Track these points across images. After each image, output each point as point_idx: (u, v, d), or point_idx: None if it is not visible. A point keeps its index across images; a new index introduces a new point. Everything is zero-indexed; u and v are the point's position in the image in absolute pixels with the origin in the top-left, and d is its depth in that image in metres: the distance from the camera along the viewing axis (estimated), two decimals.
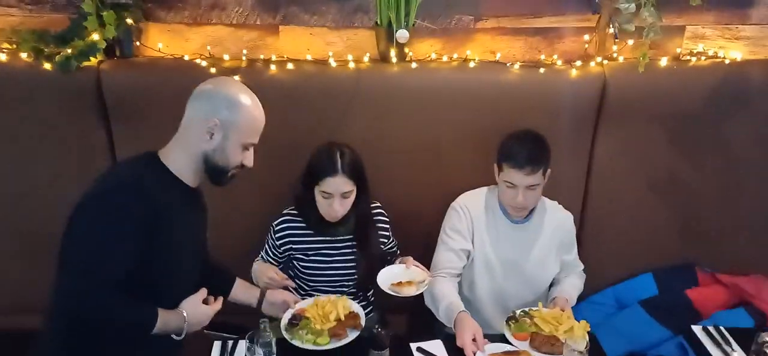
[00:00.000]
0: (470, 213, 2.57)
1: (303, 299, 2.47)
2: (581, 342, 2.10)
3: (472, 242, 2.57)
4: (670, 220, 3.02)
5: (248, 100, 2.06)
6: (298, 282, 2.63)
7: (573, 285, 2.68)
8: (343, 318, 2.30)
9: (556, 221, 2.62)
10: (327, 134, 2.56)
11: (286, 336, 2.23)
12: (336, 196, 2.38)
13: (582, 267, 2.74)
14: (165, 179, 2.03)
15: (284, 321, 2.30)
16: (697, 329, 2.46)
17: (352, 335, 2.24)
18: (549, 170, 2.45)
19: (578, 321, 2.30)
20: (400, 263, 2.52)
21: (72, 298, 1.90)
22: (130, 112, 2.75)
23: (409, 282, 2.40)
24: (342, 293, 2.59)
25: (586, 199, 3.01)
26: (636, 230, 3.04)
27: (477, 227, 2.56)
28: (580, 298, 2.79)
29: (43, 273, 1.95)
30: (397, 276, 2.44)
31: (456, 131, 2.84)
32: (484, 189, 2.63)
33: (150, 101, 2.71)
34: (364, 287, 2.66)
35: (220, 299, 2.21)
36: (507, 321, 2.36)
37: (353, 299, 2.57)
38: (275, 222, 2.57)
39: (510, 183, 2.41)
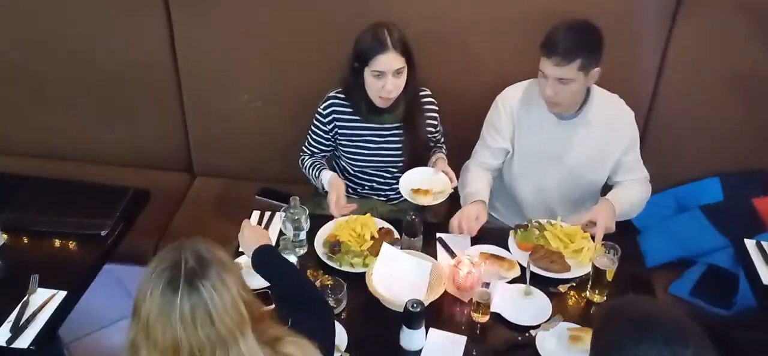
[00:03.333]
0: (512, 108, 2.46)
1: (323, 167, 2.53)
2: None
3: (512, 140, 2.48)
4: (746, 122, 2.77)
5: None
6: (341, 163, 2.66)
7: (629, 192, 2.44)
8: (376, 235, 2.32)
9: (612, 117, 2.42)
10: (373, 18, 2.47)
11: (333, 264, 2.20)
12: (388, 74, 2.33)
13: (645, 173, 2.51)
14: None
15: (322, 248, 2.27)
16: (750, 242, 2.31)
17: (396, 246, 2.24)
18: (596, 69, 2.26)
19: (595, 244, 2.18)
20: (432, 164, 2.51)
21: None
22: None
23: (427, 191, 2.38)
24: (386, 178, 2.64)
25: (656, 94, 2.79)
26: (707, 131, 2.81)
27: (519, 122, 2.46)
28: None
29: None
30: (419, 181, 2.43)
31: (515, 14, 2.68)
32: (528, 82, 2.48)
33: None
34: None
35: None
36: (515, 228, 2.31)
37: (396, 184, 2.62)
38: (321, 106, 2.54)
39: (542, 72, 2.26)
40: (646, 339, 1.19)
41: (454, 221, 2.31)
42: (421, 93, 2.56)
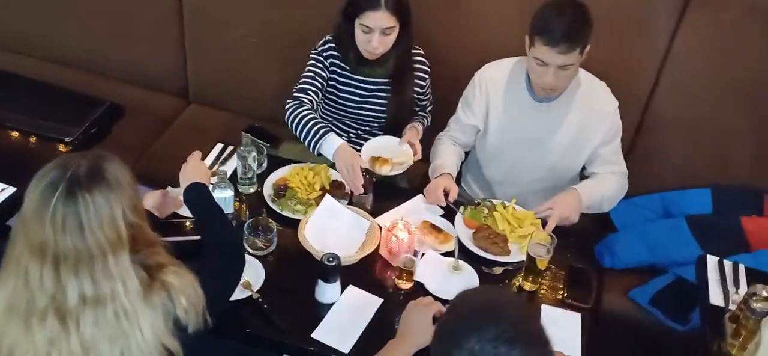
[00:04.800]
0: (488, 87, 2.36)
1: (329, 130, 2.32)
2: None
3: (485, 119, 2.39)
4: (747, 135, 2.57)
5: None
6: (321, 109, 2.62)
7: (602, 184, 2.33)
8: (327, 186, 2.28)
9: (594, 104, 2.30)
10: None
11: (275, 207, 2.18)
12: (376, 31, 2.27)
13: (623, 168, 2.40)
14: None
15: (269, 190, 2.25)
16: (711, 259, 2.17)
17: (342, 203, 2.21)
18: (588, 47, 2.14)
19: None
20: (404, 132, 2.45)
21: None
22: None
23: (386, 161, 2.32)
24: (365, 133, 2.59)
25: (654, 90, 2.63)
26: (705, 138, 2.62)
27: (493, 102, 2.35)
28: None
29: None
30: (382, 149, 2.38)
31: None
32: (512, 60, 2.37)
33: None
34: (390, 132, 2.59)
35: None
36: (466, 204, 2.24)
37: None
38: (319, 47, 2.46)
39: (540, 61, 2.11)
40: (477, 332, 1.13)
41: (431, 193, 2.28)
42: (414, 52, 2.48)
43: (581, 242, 2.27)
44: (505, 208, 2.25)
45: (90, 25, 3.19)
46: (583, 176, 2.45)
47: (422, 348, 1.62)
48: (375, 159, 2.32)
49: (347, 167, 2.16)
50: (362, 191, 2.16)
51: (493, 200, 2.28)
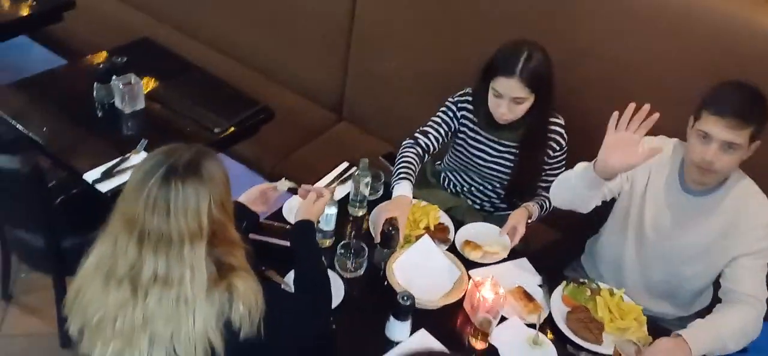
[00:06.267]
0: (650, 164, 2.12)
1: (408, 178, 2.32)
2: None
3: (633, 184, 2.20)
4: None
5: None
6: (447, 158, 2.63)
7: (720, 319, 2.01)
8: (432, 227, 2.27)
9: (743, 209, 2.04)
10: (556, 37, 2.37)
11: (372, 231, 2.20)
12: (506, 98, 2.24)
13: (761, 296, 2.03)
14: None
15: (374, 217, 2.25)
16: None
17: (442, 247, 2.20)
18: (758, 142, 1.95)
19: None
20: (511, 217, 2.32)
21: None
22: None
23: (478, 247, 2.22)
24: (487, 189, 2.56)
25: None
26: None
27: (639, 175, 2.16)
28: None
29: None
30: (478, 236, 2.28)
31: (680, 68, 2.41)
32: (673, 140, 2.17)
33: None
34: (510, 197, 2.54)
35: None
36: (569, 280, 2.11)
37: (501, 202, 2.56)
38: (456, 97, 2.47)
39: (704, 133, 1.93)
40: None
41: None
42: (552, 121, 2.38)
43: None
44: (611, 295, 2.10)
45: (263, 28, 3.47)
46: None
47: None
48: (467, 243, 2.25)
49: (393, 212, 2.14)
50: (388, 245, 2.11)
51: (600, 284, 2.14)
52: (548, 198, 2.43)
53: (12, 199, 2.32)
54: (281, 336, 1.62)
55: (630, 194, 2.21)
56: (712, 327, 2.00)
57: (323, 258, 1.95)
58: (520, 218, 2.32)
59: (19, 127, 2.49)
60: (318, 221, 2.05)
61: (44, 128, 2.52)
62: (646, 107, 1.85)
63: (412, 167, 2.33)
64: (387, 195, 2.39)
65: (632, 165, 1.93)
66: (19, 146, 2.43)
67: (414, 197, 2.34)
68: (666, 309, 2.30)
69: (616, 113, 1.90)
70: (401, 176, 2.30)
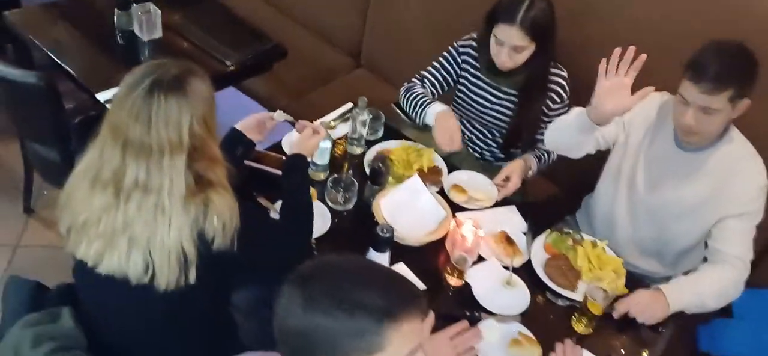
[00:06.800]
0: (638, 114, 2.17)
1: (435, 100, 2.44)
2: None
3: (628, 134, 2.21)
4: None
5: None
6: (455, 106, 2.65)
7: (700, 279, 2.03)
8: (426, 169, 2.32)
9: (734, 174, 2.03)
10: None
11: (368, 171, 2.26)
12: (506, 46, 2.26)
13: (745, 257, 2.03)
14: None
15: (370, 155, 2.34)
16: None
17: (431, 189, 2.24)
18: (745, 101, 1.93)
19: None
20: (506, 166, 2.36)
21: None
22: None
23: (463, 191, 2.27)
24: (487, 137, 2.60)
25: None
26: None
27: (635, 129, 2.19)
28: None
29: None
30: (468, 182, 2.33)
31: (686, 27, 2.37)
32: (665, 95, 2.18)
33: None
34: (509, 145, 2.57)
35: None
36: (552, 229, 2.14)
37: (500, 151, 2.58)
38: (460, 42, 2.52)
39: (682, 97, 1.95)
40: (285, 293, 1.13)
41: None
42: (554, 72, 2.39)
43: (685, 323, 2.07)
44: (593, 247, 2.12)
45: None
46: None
47: None
48: (454, 186, 2.29)
49: (445, 129, 2.26)
50: (457, 147, 2.25)
51: (583, 235, 2.16)
52: (548, 152, 2.45)
53: (30, 112, 2.45)
54: (255, 253, 1.69)
55: (624, 147, 2.22)
56: (693, 284, 2.03)
57: (312, 193, 2.02)
58: (515, 168, 2.35)
59: (42, 46, 2.61)
60: (314, 155, 2.14)
61: (65, 51, 2.63)
62: (632, 48, 1.86)
63: (427, 96, 2.44)
64: (387, 136, 2.46)
65: (626, 108, 1.94)
66: (40, 65, 2.56)
67: (412, 139, 2.40)
68: (654, 267, 2.31)
69: (604, 60, 1.91)
70: (426, 103, 2.42)
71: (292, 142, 2.14)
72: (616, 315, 1.92)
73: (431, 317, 1.18)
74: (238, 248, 1.59)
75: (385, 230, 1.92)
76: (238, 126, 2.08)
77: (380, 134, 2.48)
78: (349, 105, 2.60)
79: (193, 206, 1.53)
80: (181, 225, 1.52)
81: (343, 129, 2.46)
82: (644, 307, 1.95)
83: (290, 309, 1.12)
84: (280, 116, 2.13)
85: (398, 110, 2.91)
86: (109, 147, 1.54)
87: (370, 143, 2.42)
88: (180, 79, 1.52)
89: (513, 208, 2.28)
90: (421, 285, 1.95)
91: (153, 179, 1.51)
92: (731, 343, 2.25)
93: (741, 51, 1.92)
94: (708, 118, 1.93)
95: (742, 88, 1.90)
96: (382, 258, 1.96)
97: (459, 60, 2.49)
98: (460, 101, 2.57)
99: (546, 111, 2.43)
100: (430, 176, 2.30)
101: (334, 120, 2.52)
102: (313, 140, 2.05)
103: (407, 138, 2.49)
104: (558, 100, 2.41)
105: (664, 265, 2.31)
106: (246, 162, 2.20)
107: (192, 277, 1.55)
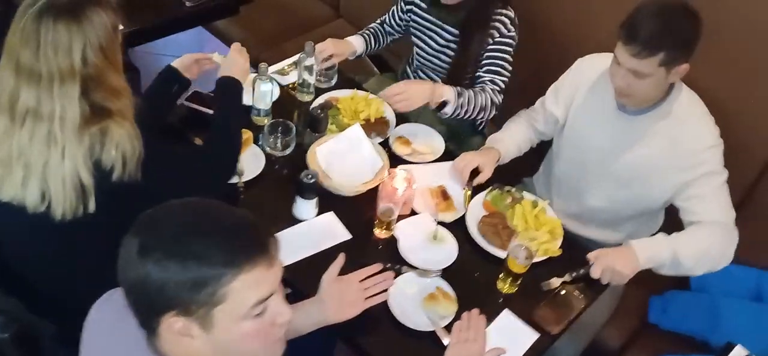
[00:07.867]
0: (583, 78, 2.11)
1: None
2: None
3: (567, 113, 2.16)
4: None
5: None
6: (415, 57, 2.60)
7: (676, 240, 1.91)
8: (372, 119, 2.26)
9: (682, 130, 1.94)
10: None
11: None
12: None
13: (723, 217, 1.93)
14: None
15: (318, 102, 2.30)
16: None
17: (375, 140, 2.19)
18: (683, 65, 1.82)
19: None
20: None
21: None
22: None
23: (407, 143, 2.23)
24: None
25: None
26: None
27: (579, 96, 2.11)
28: None
29: None
30: (416, 135, 2.27)
31: None
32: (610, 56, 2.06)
33: None
34: (451, 83, 2.41)
35: None
36: (494, 186, 2.07)
37: None
38: None
39: (616, 58, 1.87)
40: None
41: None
42: (498, 12, 2.28)
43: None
44: (533, 207, 2.05)
45: None
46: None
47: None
48: (399, 138, 2.23)
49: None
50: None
51: (524, 194, 2.09)
52: (483, 92, 2.30)
53: None
54: (165, 184, 1.65)
55: (573, 117, 2.14)
56: (666, 241, 1.93)
57: (248, 136, 1.98)
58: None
59: None
60: (255, 99, 2.10)
61: None
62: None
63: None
64: (340, 84, 2.40)
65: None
66: None
67: (363, 89, 2.36)
68: (607, 236, 2.24)
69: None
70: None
71: (225, 62, 2.02)
72: (594, 275, 1.84)
73: (279, 264, 1.14)
74: (144, 178, 1.56)
75: (309, 177, 1.89)
76: (174, 64, 2.05)
77: (333, 82, 2.43)
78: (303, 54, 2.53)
79: (87, 135, 1.50)
80: (74, 154, 1.49)
81: (294, 75, 2.41)
82: (616, 261, 1.84)
83: (127, 259, 1.08)
84: (218, 58, 2.08)
85: (371, 63, 2.87)
86: (4, 70, 1.51)
87: (322, 92, 2.37)
88: (74, 5, 1.48)
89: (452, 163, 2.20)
90: (346, 236, 1.92)
91: (44, 106, 1.48)
92: (683, 317, 2.17)
93: (679, 12, 1.81)
94: (638, 81, 1.84)
95: (675, 52, 1.79)
96: (309, 205, 1.93)
97: (405, 7, 2.50)
98: (417, 50, 2.54)
99: (488, 56, 2.32)
100: (376, 126, 2.25)
101: (288, 66, 2.47)
102: (241, 60, 1.99)
103: (363, 89, 2.43)
104: (497, 35, 2.30)
105: (615, 231, 2.23)
106: (185, 102, 2.18)
107: (91, 206, 1.53)
